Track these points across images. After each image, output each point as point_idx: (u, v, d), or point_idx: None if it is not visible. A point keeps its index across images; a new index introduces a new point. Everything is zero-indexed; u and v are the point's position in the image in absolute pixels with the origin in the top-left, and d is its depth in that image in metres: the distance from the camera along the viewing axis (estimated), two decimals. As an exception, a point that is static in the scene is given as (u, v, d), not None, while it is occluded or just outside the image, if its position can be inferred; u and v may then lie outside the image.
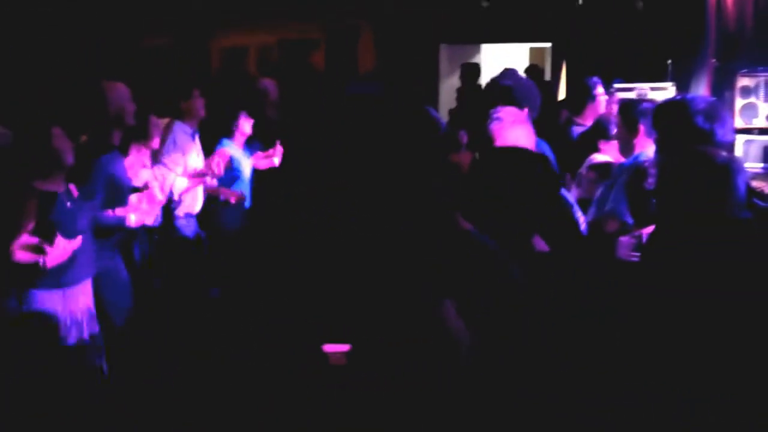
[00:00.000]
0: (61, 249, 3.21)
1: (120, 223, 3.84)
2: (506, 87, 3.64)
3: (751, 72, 6.07)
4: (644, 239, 2.65)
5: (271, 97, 5.72)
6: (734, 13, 6.38)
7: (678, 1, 6.76)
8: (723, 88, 6.21)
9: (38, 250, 3.18)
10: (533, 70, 7.87)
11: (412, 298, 1.45)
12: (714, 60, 6.35)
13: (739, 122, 6.04)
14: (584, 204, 3.42)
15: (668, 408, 1.99)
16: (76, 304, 3.42)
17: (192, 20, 8.21)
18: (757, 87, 6.05)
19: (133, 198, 3.99)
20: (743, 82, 6.06)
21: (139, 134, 4.28)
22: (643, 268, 2.42)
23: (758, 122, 6.03)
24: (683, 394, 1.94)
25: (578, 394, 1.88)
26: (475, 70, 7.84)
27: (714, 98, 4.81)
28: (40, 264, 3.19)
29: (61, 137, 3.36)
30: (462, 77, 7.83)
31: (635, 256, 2.68)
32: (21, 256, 3.19)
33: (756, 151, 5.91)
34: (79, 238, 3.32)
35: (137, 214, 3.89)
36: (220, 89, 5.28)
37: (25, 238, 3.20)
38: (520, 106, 3.58)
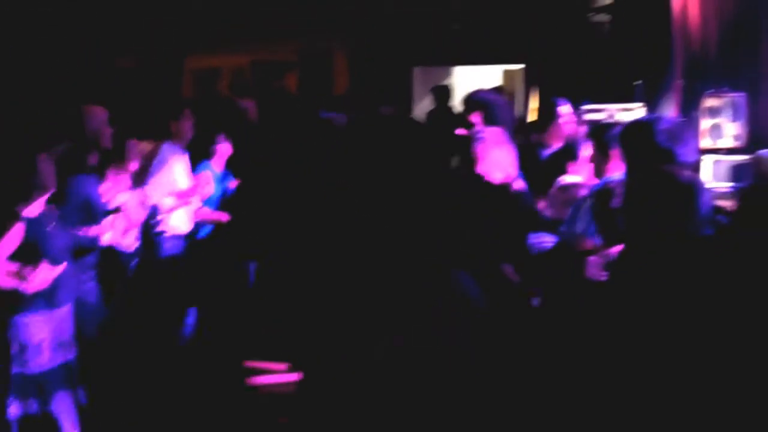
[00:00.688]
0: (43, 274, 3.20)
1: (93, 243, 3.84)
2: (485, 103, 3.70)
3: (717, 93, 6.20)
4: (612, 258, 2.68)
5: (250, 119, 5.75)
6: (699, 35, 6.53)
7: (645, 25, 6.91)
8: (690, 108, 6.33)
9: (19, 276, 3.16)
10: (497, 92, 8.01)
11: (370, 331, 1.45)
12: (681, 81, 6.48)
13: (706, 142, 6.17)
14: (555, 224, 3.46)
15: (638, 423, 2.01)
16: (61, 326, 3.41)
17: (164, 41, 8.21)
18: (722, 107, 6.18)
19: (107, 219, 3.99)
20: (709, 102, 6.18)
21: (115, 157, 4.29)
22: (612, 286, 2.44)
23: (725, 142, 6.16)
24: (651, 406, 1.96)
25: (542, 411, 1.89)
26: (446, 92, 7.92)
27: (678, 119, 4.90)
28: (21, 290, 3.18)
29: (46, 161, 3.38)
30: (434, 100, 7.92)
31: (604, 275, 2.71)
32: (1, 282, 3.17)
33: (723, 170, 6.02)
34: (64, 264, 3.32)
35: (110, 233, 3.88)
36: (195, 111, 5.28)
37: (7, 264, 3.18)
38: (496, 124, 3.63)
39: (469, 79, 9.13)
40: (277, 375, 1.69)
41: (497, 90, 7.37)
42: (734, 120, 6.14)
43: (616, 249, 2.70)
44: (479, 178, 2.75)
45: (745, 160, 5.92)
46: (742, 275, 1.73)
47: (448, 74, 9.20)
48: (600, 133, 3.35)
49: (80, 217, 3.82)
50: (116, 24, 7.81)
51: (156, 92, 7.64)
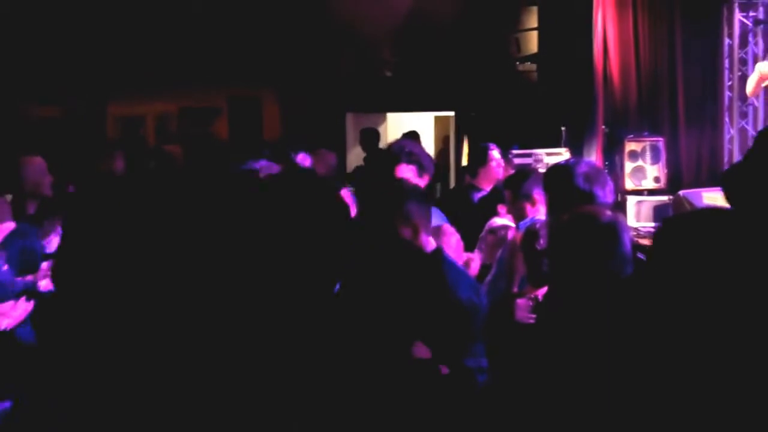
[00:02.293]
0: (21, 310, 3.27)
1: (33, 289, 3.77)
2: (417, 156, 3.69)
3: (637, 137, 6.46)
4: (540, 300, 2.69)
5: (177, 165, 5.65)
6: (620, 84, 6.80)
7: (569, 73, 7.16)
8: (613, 152, 6.57)
9: None
10: (413, 137, 8.08)
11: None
12: (603, 127, 6.72)
13: (629, 184, 6.39)
14: (486, 267, 3.47)
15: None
16: None
17: (87, 87, 8.02)
18: (643, 151, 6.43)
19: (44, 265, 3.92)
20: (630, 146, 6.43)
21: (54, 206, 4.25)
22: (539, 328, 2.44)
23: (647, 184, 6.39)
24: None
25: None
26: (374, 134, 7.88)
27: (595, 162, 5.02)
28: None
29: (2, 204, 3.38)
30: (361, 143, 7.88)
31: (532, 318, 2.72)
32: None
33: (646, 210, 6.23)
34: (31, 302, 3.36)
35: (48, 279, 3.83)
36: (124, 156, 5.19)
37: None
38: (422, 173, 3.63)
39: (401, 125, 9.24)
40: None
41: (412, 135, 7.25)
42: (654, 162, 6.40)
43: (543, 290, 2.71)
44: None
45: (665, 200, 6.16)
46: (662, 313, 1.74)
47: (381, 120, 9.29)
48: (515, 180, 3.41)
49: (21, 266, 3.79)
50: (36, 68, 7.58)
51: (80, 139, 7.43)
